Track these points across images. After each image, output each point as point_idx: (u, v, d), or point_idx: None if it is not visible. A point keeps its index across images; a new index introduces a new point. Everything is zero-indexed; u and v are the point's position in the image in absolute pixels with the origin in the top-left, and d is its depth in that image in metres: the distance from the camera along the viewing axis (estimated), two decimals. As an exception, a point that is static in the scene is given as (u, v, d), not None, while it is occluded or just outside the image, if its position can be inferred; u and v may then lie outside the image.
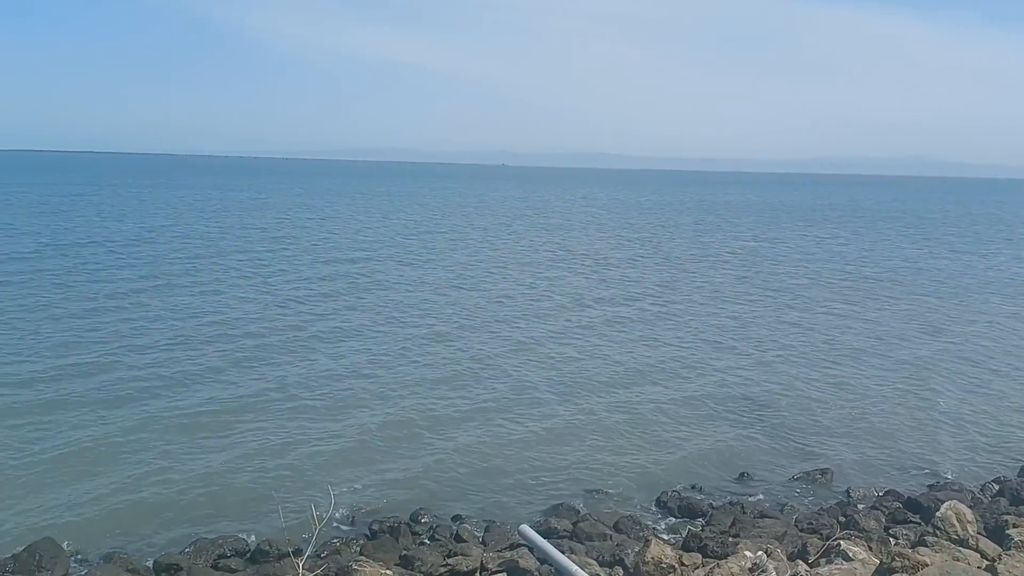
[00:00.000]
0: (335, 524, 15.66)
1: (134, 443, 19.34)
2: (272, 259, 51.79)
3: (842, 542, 13.49)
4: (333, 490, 13.88)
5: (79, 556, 14.44)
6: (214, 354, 27.20)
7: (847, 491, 18.50)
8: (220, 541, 14.82)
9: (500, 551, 14.24)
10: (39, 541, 14.01)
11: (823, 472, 19.47)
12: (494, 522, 16.18)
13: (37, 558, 13.55)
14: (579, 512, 16.84)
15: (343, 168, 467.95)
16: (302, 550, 13.02)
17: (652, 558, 12.74)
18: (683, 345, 31.54)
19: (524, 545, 14.30)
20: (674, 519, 17.07)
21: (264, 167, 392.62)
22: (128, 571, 13.39)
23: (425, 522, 16.23)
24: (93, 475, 17.57)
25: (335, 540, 15.06)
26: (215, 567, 14.11)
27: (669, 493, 17.95)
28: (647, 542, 13.38)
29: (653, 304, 39.76)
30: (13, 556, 13.71)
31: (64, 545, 14.31)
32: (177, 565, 13.77)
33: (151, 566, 13.91)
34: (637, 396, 24.85)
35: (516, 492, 17.98)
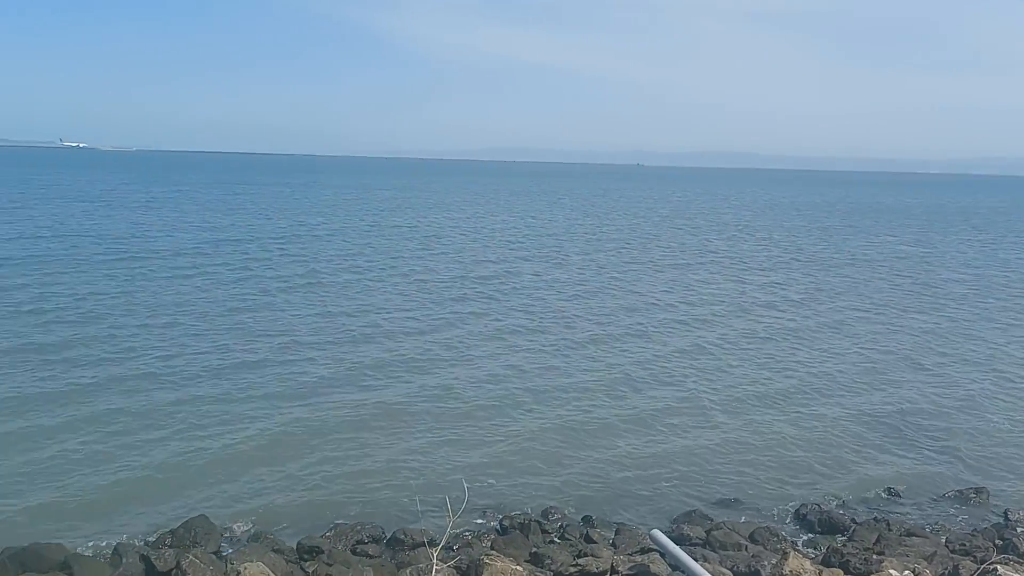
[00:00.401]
0: (468, 517, 15.92)
1: (288, 432, 20.29)
2: (422, 256, 53.21)
3: (999, 566, 12.63)
4: (468, 484, 14.14)
5: (229, 535, 15.33)
6: (375, 351, 28.01)
7: (1005, 513, 17.26)
8: (359, 527, 15.41)
9: (631, 554, 14.11)
10: (194, 518, 15.04)
11: (978, 491, 18.25)
12: (625, 525, 16.04)
13: (192, 534, 14.56)
14: (712, 520, 16.46)
15: (476, 168, 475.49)
16: (436, 541, 13.31)
17: (790, 571, 12.31)
18: (834, 353, 30.28)
19: (655, 550, 14.11)
20: (814, 533, 16.41)
21: (401, 167, 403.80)
22: (273, 551, 14.07)
23: (555, 520, 16.28)
24: (247, 461, 18.60)
25: (467, 533, 15.34)
26: (354, 551, 14.66)
27: (809, 505, 17.27)
28: (785, 554, 12.94)
29: (810, 313, 37.88)
30: (171, 531, 14.80)
31: (216, 523, 15.24)
32: (319, 547, 14.39)
33: (295, 547, 14.59)
34: (779, 403, 24.11)
35: (648, 496, 17.78)
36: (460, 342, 29.78)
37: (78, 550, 14.01)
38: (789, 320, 36.03)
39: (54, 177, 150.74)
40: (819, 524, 16.61)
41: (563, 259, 54.17)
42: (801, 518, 16.98)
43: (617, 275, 47.64)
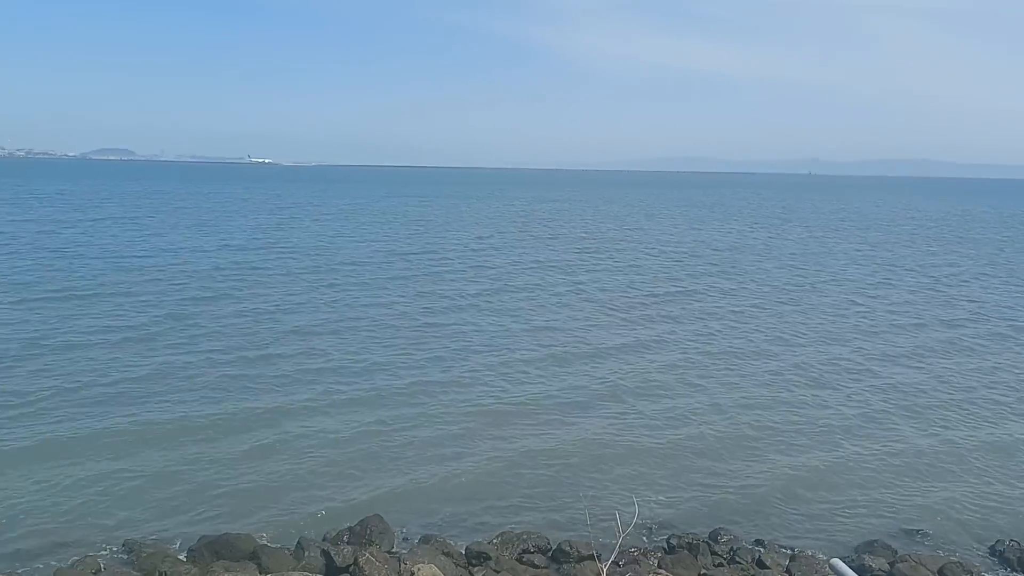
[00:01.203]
0: (635, 533, 15.68)
1: (466, 441, 20.71)
2: (601, 270, 52.61)
3: None
4: (637, 499, 13.89)
5: (402, 535, 15.83)
6: (579, 369, 27.65)
7: None
8: (525, 536, 15.51)
9: (807, 583, 13.47)
10: (370, 517, 15.67)
11: None
12: (801, 551, 15.32)
13: (368, 532, 15.17)
14: (896, 552, 15.46)
15: (640, 179, 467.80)
16: (602, 555, 13.17)
17: (987, 613, 11.35)
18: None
19: (834, 580, 13.36)
20: (1012, 571, 15.12)
21: (565, 179, 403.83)
22: (444, 554, 14.42)
23: (725, 542, 15.76)
24: (420, 462, 19.20)
25: (633, 549, 15.11)
26: (519, 560, 14.79)
27: (1007, 542, 15.92)
28: (980, 594, 11.96)
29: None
30: (349, 528, 15.48)
31: (390, 523, 15.77)
32: (486, 554, 14.61)
33: (463, 551, 14.89)
34: (987, 426, 22.62)
35: (827, 522, 16.91)
36: (662, 364, 28.87)
37: (266, 542, 14.89)
38: (983, 337, 33.43)
39: (244, 191, 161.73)
40: (1019, 563, 15.29)
41: (757, 276, 51.47)
42: (998, 554, 15.70)
43: (817, 294, 44.72)
